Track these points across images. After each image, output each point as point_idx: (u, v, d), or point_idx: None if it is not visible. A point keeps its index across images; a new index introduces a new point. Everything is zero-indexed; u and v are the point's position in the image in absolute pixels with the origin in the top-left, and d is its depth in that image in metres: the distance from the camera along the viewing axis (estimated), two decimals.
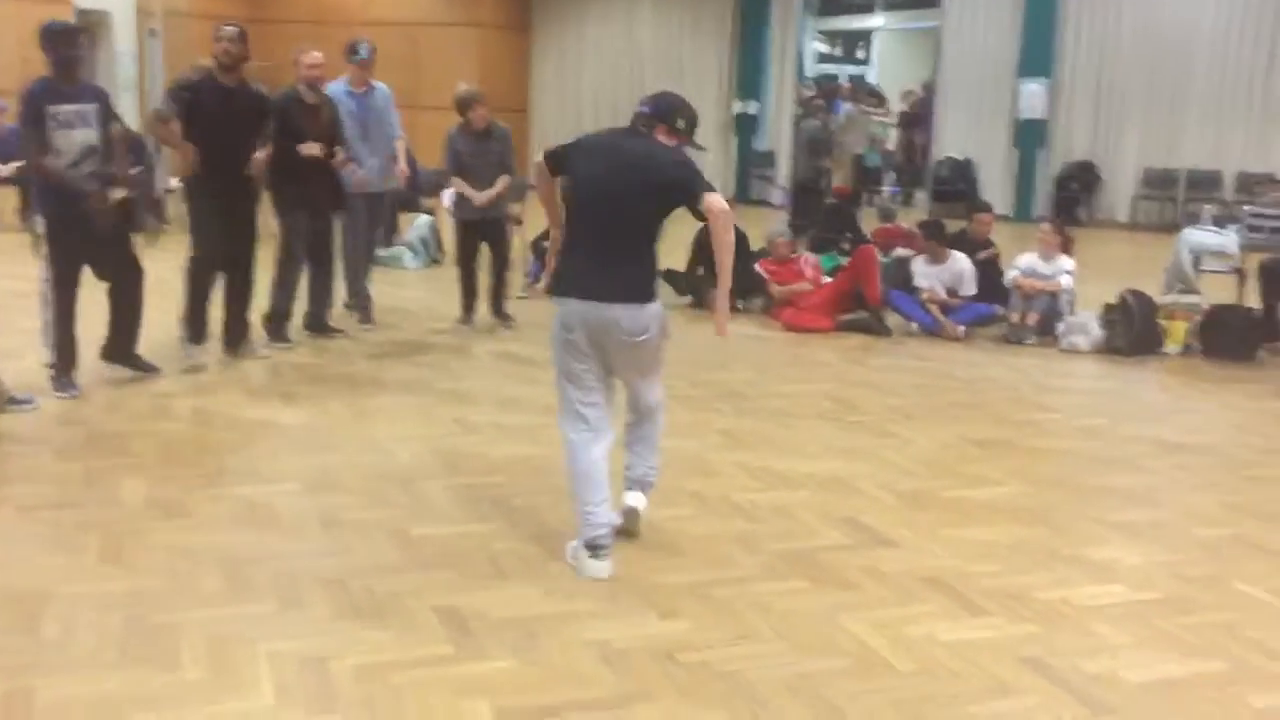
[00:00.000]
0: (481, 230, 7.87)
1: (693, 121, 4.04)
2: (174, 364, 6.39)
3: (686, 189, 3.83)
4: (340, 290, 7.79)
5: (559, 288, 3.99)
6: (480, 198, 7.63)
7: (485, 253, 7.95)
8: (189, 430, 5.41)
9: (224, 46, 6.31)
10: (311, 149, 6.79)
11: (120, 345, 6.13)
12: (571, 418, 4.02)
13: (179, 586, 3.70)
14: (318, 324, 7.45)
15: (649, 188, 3.87)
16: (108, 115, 5.84)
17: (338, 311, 7.71)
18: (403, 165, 8.18)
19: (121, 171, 6.04)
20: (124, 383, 6.08)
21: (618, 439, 4.15)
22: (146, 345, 6.27)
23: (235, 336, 6.77)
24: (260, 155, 6.43)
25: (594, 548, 3.90)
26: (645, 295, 3.94)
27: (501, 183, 7.76)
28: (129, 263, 6.03)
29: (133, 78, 15.23)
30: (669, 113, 4.01)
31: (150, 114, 6.08)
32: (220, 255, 6.49)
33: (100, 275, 5.96)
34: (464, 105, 7.62)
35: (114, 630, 3.37)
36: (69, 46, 5.65)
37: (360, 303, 7.99)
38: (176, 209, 10.04)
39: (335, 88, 7.59)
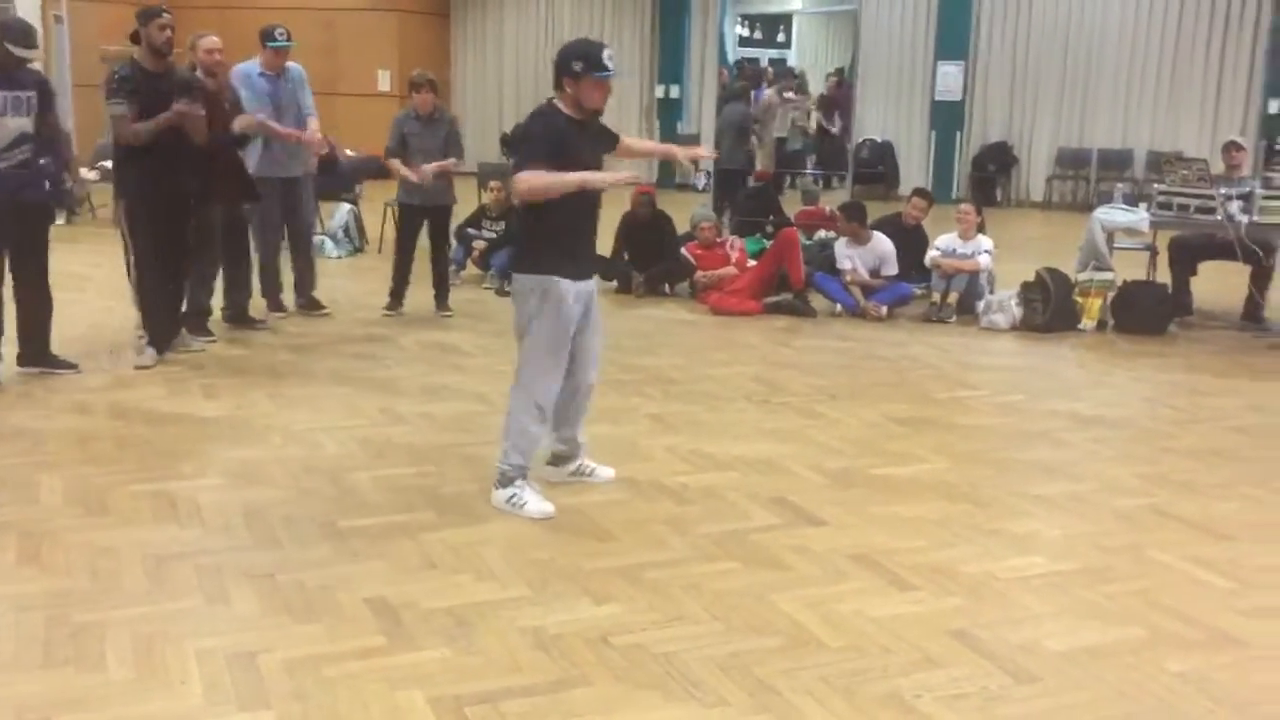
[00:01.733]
0: (425, 216, 7.81)
1: (592, 56, 3.99)
2: (89, 361, 6.27)
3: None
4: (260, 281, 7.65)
5: None
6: (426, 171, 7.56)
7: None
8: (107, 425, 5.29)
9: (168, 35, 6.12)
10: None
11: (35, 347, 5.98)
12: None
13: (101, 585, 3.63)
14: (238, 316, 7.32)
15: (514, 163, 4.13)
16: (46, 103, 5.73)
17: (258, 303, 7.59)
18: (320, 136, 8.07)
19: (68, 158, 5.96)
20: (38, 379, 5.93)
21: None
22: (65, 342, 6.14)
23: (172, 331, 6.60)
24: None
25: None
26: (520, 265, 4.32)
27: (449, 160, 7.74)
28: (39, 258, 5.88)
29: (39, 66, 14.77)
30: (562, 63, 3.99)
31: (117, 118, 5.98)
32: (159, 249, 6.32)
33: (15, 270, 5.82)
34: (412, 87, 7.70)
35: (36, 632, 3.30)
36: (14, 44, 5.62)
37: (275, 290, 7.80)
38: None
39: (247, 68, 7.43)
